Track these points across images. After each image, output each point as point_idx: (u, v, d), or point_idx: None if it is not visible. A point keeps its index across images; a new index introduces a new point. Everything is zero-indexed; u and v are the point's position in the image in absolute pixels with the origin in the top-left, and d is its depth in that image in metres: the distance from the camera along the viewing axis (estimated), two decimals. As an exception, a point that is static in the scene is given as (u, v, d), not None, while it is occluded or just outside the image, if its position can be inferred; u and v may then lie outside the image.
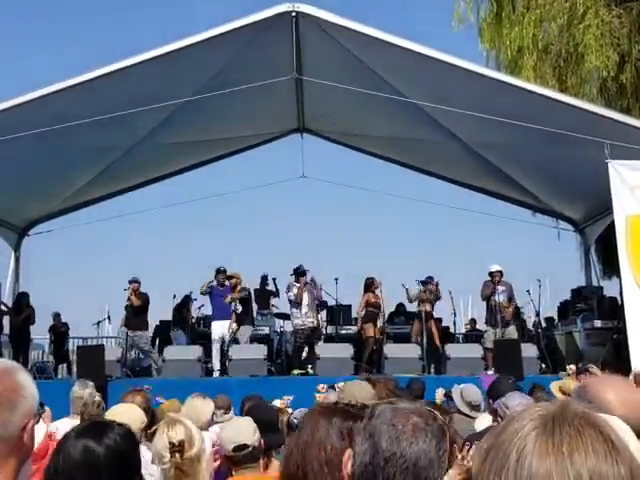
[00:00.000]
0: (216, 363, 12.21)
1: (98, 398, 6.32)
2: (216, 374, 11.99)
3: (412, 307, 13.94)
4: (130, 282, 12.93)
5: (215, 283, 12.87)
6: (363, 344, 12.83)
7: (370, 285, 13.19)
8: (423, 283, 13.11)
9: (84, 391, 6.11)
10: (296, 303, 12.45)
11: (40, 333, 15.58)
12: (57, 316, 15.54)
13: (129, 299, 12.91)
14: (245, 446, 3.43)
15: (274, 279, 14.30)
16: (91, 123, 9.80)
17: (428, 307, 12.95)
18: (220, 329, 12.40)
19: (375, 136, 14.19)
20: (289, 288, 12.67)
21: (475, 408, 5.73)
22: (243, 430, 3.54)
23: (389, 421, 1.51)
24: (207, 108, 11.47)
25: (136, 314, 12.95)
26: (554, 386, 6.05)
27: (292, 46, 10.48)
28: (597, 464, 0.91)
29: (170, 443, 2.89)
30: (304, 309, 12.43)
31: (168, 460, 2.89)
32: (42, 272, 26.30)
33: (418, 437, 1.46)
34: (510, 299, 12.43)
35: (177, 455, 2.88)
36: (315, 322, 12.62)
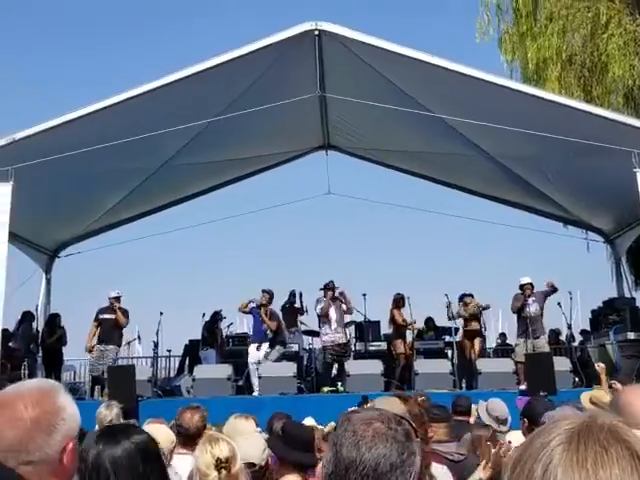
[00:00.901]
0: (255, 382, 12.18)
1: (122, 420, 6.33)
2: (256, 393, 11.96)
3: (442, 322, 13.87)
4: (116, 299, 12.76)
5: (255, 304, 12.87)
6: (393, 360, 12.77)
7: (398, 301, 13.16)
8: (461, 299, 13.11)
9: (110, 412, 6.13)
10: (324, 318, 12.45)
11: (74, 354, 15.71)
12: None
13: (113, 314, 12.66)
14: (252, 465, 3.39)
15: (300, 294, 14.30)
16: (120, 145, 9.92)
17: (474, 324, 12.97)
18: (257, 352, 12.45)
19: (400, 151, 14.18)
20: (317, 302, 12.70)
21: (502, 422, 5.68)
22: (251, 449, 3.49)
23: (351, 428, 1.51)
24: (233, 127, 11.57)
25: (113, 329, 12.72)
26: (584, 397, 5.95)
27: (315, 64, 10.55)
28: None
29: (217, 459, 2.88)
30: (333, 324, 12.41)
31: (214, 477, 2.88)
32: (74, 294, 26.58)
33: (378, 442, 1.47)
34: (542, 307, 12.32)
35: (223, 471, 2.87)
36: (345, 338, 12.59)
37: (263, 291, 13.02)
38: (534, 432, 1.02)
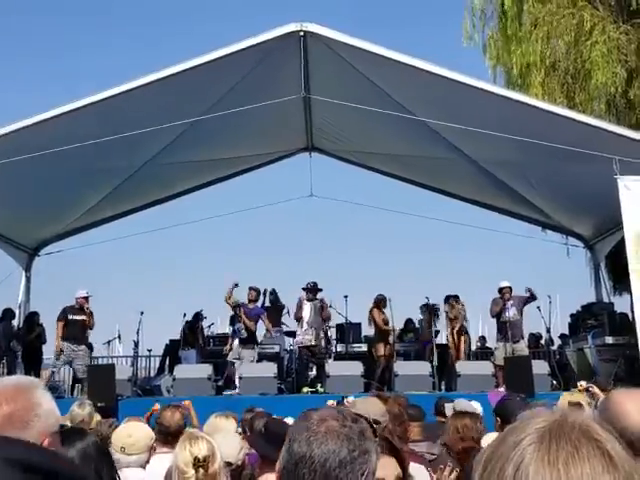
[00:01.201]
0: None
1: (98, 417, 6.33)
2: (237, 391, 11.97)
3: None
4: (85, 298, 12.47)
5: (242, 301, 12.93)
6: (374, 362, 12.81)
7: (379, 302, 13.20)
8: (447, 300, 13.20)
9: (82, 410, 6.12)
10: (297, 319, 12.57)
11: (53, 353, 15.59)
12: None
13: (83, 315, 12.41)
14: (228, 464, 3.38)
15: (273, 291, 14.24)
16: (101, 144, 9.87)
17: (457, 325, 13.08)
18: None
19: (384, 154, 14.22)
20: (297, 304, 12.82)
21: None
22: (228, 448, 3.48)
23: (305, 425, 1.56)
24: (216, 128, 11.55)
25: (84, 329, 12.51)
26: (564, 397, 6.01)
27: (300, 65, 10.55)
28: (594, 479, 0.90)
29: (195, 458, 2.87)
30: (304, 326, 12.50)
31: (191, 475, 2.88)
32: (53, 292, 26.39)
33: (329, 439, 1.49)
34: (521, 311, 12.44)
35: (201, 470, 2.87)
36: (314, 340, 12.58)
37: (250, 288, 13.01)
38: (505, 430, 1.02)
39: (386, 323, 13.08)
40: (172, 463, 3.05)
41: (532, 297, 12.39)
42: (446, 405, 6.38)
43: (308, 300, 12.71)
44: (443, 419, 6.24)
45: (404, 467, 2.21)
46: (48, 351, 14.64)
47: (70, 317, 12.37)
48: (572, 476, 0.90)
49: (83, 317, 12.41)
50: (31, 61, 44.40)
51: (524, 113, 10.15)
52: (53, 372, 12.57)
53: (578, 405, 4.71)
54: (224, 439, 3.71)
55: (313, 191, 15.05)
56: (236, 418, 5.48)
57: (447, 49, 34.63)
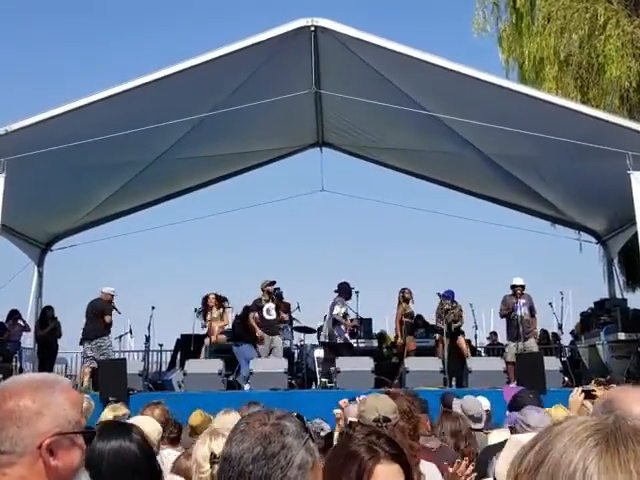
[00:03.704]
0: None
1: (119, 412, 6.36)
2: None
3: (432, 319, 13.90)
4: (112, 295, 12.99)
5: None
6: (384, 358, 12.85)
7: (405, 294, 13.35)
8: (443, 297, 13.13)
9: (90, 404, 6.19)
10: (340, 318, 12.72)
11: (65, 347, 15.70)
12: None
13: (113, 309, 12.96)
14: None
15: (276, 289, 14.10)
16: (114, 138, 9.88)
17: (454, 323, 13.03)
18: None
19: (394, 149, 14.18)
20: (335, 304, 12.90)
21: (477, 420, 5.71)
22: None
23: (236, 427, 1.70)
24: (226, 123, 11.55)
25: (100, 322, 12.89)
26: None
27: (311, 60, 10.52)
28: None
29: (212, 454, 2.88)
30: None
31: (206, 470, 2.88)
32: (65, 287, 26.52)
33: (245, 438, 1.62)
34: (532, 311, 12.38)
35: (216, 466, 2.87)
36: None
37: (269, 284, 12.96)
38: (548, 431, 0.98)
39: (412, 317, 13.27)
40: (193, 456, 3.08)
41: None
42: (454, 401, 6.35)
43: (346, 300, 12.90)
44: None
45: (409, 473, 2.17)
46: (64, 345, 14.85)
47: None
48: None
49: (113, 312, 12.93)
50: (41, 53, 44.47)
51: (537, 108, 10.08)
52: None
53: (592, 398, 4.65)
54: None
55: (324, 186, 15.05)
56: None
57: (460, 43, 34.38)
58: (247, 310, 13.95)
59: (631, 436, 0.92)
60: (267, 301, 12.80)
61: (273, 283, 13.05)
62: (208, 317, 13.32)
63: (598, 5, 15.35)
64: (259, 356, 12.63)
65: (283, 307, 14.05)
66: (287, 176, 23.90)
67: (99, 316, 12.79)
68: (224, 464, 1.64)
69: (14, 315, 14.08)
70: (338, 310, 12.79)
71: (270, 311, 12.73)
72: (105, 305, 12.90)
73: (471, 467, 3.52)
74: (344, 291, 12.95)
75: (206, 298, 13.33)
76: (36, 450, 1.56)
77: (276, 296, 14.07)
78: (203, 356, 13.17)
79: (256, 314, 12.86)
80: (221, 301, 13.41)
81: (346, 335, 12.80)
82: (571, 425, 0.96)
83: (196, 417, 6.27)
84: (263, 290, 12.92)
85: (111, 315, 12.93)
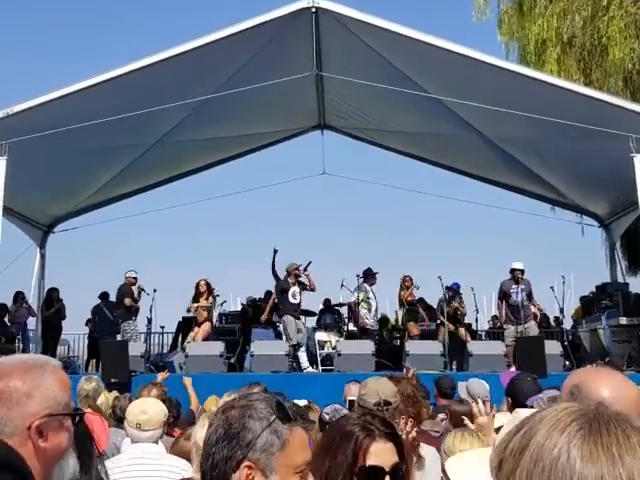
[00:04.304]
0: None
1: (109, 393, 6.42)
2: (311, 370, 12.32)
3: (434, 301, 13.92)
4: (134, 278, 13.37)
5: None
6: (384, 341, 12.91)
7: (406, 282, 13.42)
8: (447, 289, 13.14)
9: (88, 386, 6.23)
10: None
11: (68, 329, 15.77)
12: None
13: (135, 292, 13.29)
14: None
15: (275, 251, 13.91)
16: (113, 121, 9.85)
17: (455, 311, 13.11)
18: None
19: (396, 131, 14.13)
20: (359, 289, 13.10)
21: (483, 403, 5.70)
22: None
23: (217, 410, 1.82)
24: (227, 105, 11.51)
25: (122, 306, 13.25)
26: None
27: (312, 42, 10.47)
28: None
29: None
30: (372, 311, 13.07)
31: None
32: (68, 269, 26.56)
33: (214, 420, 1.72)
34: (530, 297, 12.37)
35: None
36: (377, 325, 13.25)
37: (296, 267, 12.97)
38: (533, 416, 1.00)
39: (413, 303, 13.38)
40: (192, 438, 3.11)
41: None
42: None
43: (370, 285, 13.03)
44: (445, 402, 6.11)
45: (403, 453, 2.19)
46: (67, 327, 14.95)
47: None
48: (626, 461, 0.90)
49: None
50: (42, 34, 44.34)
51: (539, 90, 10.02)
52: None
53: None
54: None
55: (326, 169, 15.02)
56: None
57: (459, 25, 34.17)
58: (269, 294, 14.01)
59: (613, 420, 0.95)
60: (294, 284, 12.78)
61: (299, 267, 13.02)
62: (199, 302, 13.27)
63: (602, -14, 15.22)
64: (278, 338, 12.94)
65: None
66: (288, 159, 23.89)
67: (121, 300, 13.12)
68: (204, 445, 1.73)
69: (19, 296, 14.15)
70: (357, 295, 13.08)
71: (295, 295, 12.72)
72: (126, 289, 13.22)
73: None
74: (367, 276, 13.12)
75: (197, 284, 13.32)
76: (25, 431, 1.55)
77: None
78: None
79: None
80: (211, 289, 13.36)
81: (365, 320, 12.92)
82: (555, 410, 0.99)
83: (211, 401, 6.40)
84: (290, 273, 12.86)
85: (132, 298, 13.20)
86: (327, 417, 3.87)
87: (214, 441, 1.66)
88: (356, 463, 2.10)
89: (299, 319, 12.76)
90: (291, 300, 12.64)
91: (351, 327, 13.92)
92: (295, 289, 12.71)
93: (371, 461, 2.11)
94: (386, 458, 2.12)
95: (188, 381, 7.75)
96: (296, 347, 12.35)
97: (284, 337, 12.66)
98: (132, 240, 30.89)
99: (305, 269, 13.07)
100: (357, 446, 2.12)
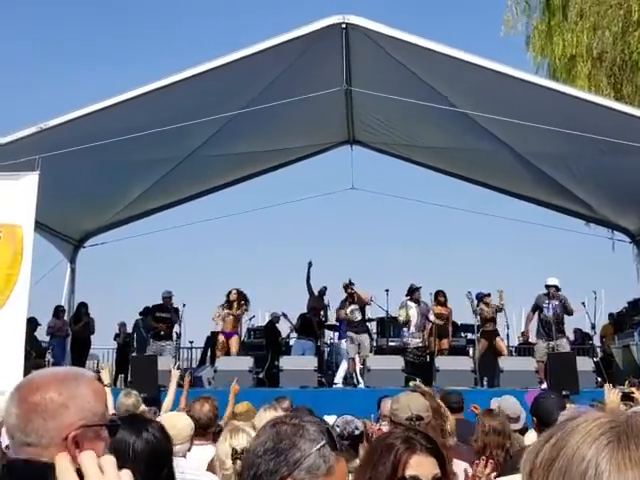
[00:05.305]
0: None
1: (143, 407, 6.48)
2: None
3: (463, 319, 13.83)
4: (169, 297, 13.60)
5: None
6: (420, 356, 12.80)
7: (438, 297, 13.32)
8: (479, 298, 13.00)
9: (128, 400, 6.27)
10: (405, 322, 12.76)
11: (97, 343, 15.90)
12: (122, 326, 16.06)
13: (167, 313, 13.48)
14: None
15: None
16: (146, 135, 9.96)
17: (490, 326, 12.88)
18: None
19: (425, 147, 14.11)
20: (402, 306, 12.95)
21: (514, 420, 5.65)
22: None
23: (265, 424, 1.85)
24: (257, 120, 11.58)
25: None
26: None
27: (342, 57, 10.51)
28: None
29: (234, 450, 2.89)
30: (412, 329, 12.78)
31: (229, 467, 2.90)
32: (100, 284, 26.81)
33: (262, 433, 1.76)
34: (566, 310, 12.20)
35: (238, 462, 2.89)
36: (420, 343, 12.81)
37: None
38: (562, 428, 0.98)
39: (445, 318, 13.21)
40: (214, 454, 3.09)
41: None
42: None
43: (414, 301, 12.87)
44: (455, 416, 5.99)
45: (445, 468, 2.19)
46: (96, 341, 15.08)
47: (157, 314, 13.57)
48: None
49: (167, 314, 13.47)
50: (74, 52, 45.06)
51: (569, 105, 9.97)
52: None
53: (630, 400, 4.59)
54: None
55: (354, 184, 15.03)
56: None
57: (487, 42, 34.14)
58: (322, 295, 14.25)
59: None
60: (351, 303, 12.79)
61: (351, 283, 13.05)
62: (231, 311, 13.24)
63: (631, 1, 15.15)
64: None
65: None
66: (318, 174, 23.94)
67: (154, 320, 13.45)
68: (245, 455, 1.77)
69: (60, 309, 14.36)
70: (398, 312, 12.99)
71: (354, 312, 12.72)
72: (159, 308, 13.58)
73: (490, 466, 3.50)
74: (410, 292, 13.06)
75: (229, 292, 13.31)
76: (61, 442, 1.57)
77: (319, 293, 14.11)
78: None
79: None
80: (244, 298, 13.33)
81: (406, 337, 12.87)
82: (585, 422, 0.97)
83: (242, 406, 6.39)
84: (346, 292, 12.92)
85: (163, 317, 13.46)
86: (338, 430, 3.85)
87: (261, 452, 1.67)
88: (395, 474, 2.10)
89: (363, 333, 12.79)
90: (350, 317, 12.75)
91: (380, 342, 13.86)
92: (353, 307, 12.76)
93: (410, 472, 2.11)
94: (426, 470, 2.12)
95: (234, 390, 7.77)
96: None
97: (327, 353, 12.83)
98: (161, 255, 31.15)
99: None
100: (397, 458, 2.12)
